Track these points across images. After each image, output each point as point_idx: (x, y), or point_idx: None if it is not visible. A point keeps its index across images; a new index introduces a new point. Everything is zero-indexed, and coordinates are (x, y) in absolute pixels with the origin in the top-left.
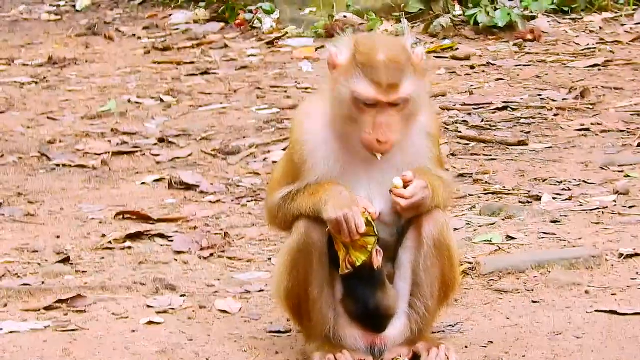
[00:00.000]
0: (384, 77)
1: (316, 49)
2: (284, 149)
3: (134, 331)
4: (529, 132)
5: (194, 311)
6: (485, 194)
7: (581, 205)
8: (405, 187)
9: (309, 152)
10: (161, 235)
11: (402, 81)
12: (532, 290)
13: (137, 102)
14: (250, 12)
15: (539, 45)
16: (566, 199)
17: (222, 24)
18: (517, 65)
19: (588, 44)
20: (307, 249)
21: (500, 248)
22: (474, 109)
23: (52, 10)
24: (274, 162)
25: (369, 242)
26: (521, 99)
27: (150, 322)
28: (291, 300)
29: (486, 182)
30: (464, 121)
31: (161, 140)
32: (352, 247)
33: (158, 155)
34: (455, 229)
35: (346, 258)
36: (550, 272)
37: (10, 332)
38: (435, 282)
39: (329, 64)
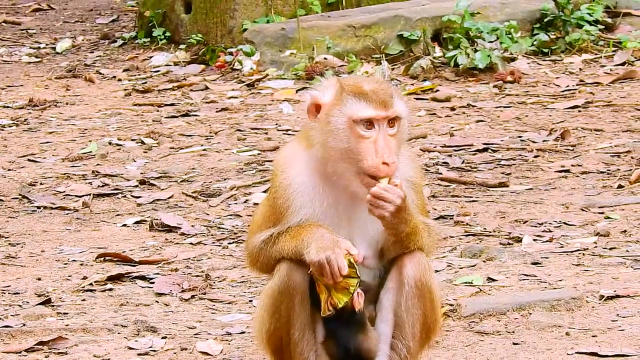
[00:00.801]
0: (377, 95)
1: (297, 91)
2: (264, 191)
3: None
4: (509, 174)
5: (175, 353)
6: (466, 235)
7: (562, 246)
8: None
9: (292, 195)
10: (142, 277)
11: (394, 98)
12: (513, 332)
13: (117, 144)
14: (231, 54)
15: (519, 87)
16: (547, 241)
17: (203, 66)
18: (497, 107)
19: (568, 86)
20: (289, 291)
21: (481, 290)
22: (455, 150)
23: (33, 53)
24: (255, 204)
25: (351, 284)
26: (501, 140)
27: None
28: (273, 343)
29: (467, 224)
30: (445, 163)
31: (142, 182)
32: (334, 289)
33: (139, 197)
34: (436, 271)
35: (328, 300)
36: (531, 313)
37: None
38: (416, 324)
39: (310, 108)
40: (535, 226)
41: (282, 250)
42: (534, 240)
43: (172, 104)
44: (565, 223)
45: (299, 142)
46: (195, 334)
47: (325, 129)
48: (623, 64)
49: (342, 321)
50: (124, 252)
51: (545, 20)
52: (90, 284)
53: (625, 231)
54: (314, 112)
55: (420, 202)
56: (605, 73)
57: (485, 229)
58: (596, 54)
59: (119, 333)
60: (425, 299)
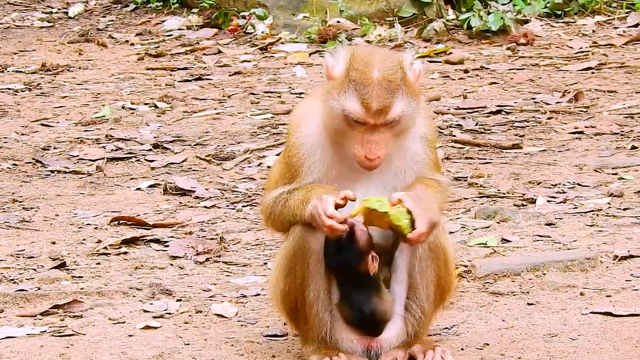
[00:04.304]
0: (375, 99)
1: (310, 54)
2: (278, 154)
3: (130, 336)
4: (523, 136)
5: (190, 315)
6: (480, 197)
7: (575, 207)
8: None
9: (305, 155)
10: (157, 241)
11: (393, 103)
12: (528, 292)
13: (131, 109)
14: (244, 17)
15: (532, 49)
16: (560, 202)
17: (216, 30)
18: (510, 69)
19: (581, 47)
20: (303, 253)
21: (495, 251)
22: (468, 112)
23: (45, 17)
24: (269, 167)
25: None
26: (515, 102)
27: (147, 327)
28: (287, 304)
29: (481, 186)
30: (458, 125)
31: (155, 146)
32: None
33: (153, 161)
34: (451, 232)
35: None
36: (545, 274)
37: (7, 338)
38: (430, 285)
39: (326, 75)
40: (549, 187)
41: (294, 216)
42: (548, 201)
43: (185, 68)
44: (578, 184)
45: (314, 98)
46: (210, 297)
47: (325, 105)
48: (636, 25)
49: (356, 284)
50: (138, 215)
51: None
52: (105, 248)
53: (638, 192)
54: (328, 78)
55: (433, 157)
56: (619, 35)
57: (499, 190)
58: (609, 16)
59: (134, 296)
60: (440, 260)
